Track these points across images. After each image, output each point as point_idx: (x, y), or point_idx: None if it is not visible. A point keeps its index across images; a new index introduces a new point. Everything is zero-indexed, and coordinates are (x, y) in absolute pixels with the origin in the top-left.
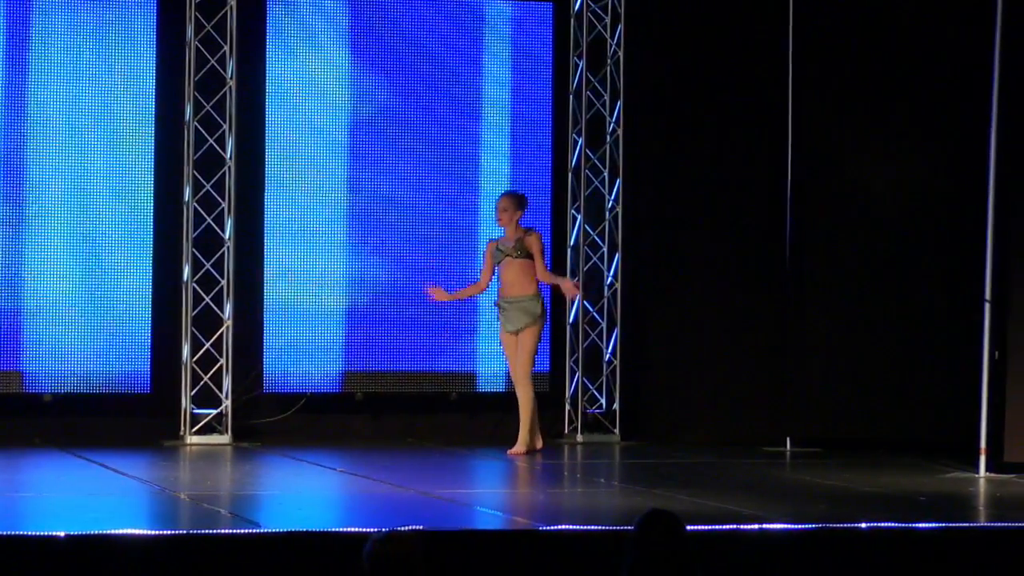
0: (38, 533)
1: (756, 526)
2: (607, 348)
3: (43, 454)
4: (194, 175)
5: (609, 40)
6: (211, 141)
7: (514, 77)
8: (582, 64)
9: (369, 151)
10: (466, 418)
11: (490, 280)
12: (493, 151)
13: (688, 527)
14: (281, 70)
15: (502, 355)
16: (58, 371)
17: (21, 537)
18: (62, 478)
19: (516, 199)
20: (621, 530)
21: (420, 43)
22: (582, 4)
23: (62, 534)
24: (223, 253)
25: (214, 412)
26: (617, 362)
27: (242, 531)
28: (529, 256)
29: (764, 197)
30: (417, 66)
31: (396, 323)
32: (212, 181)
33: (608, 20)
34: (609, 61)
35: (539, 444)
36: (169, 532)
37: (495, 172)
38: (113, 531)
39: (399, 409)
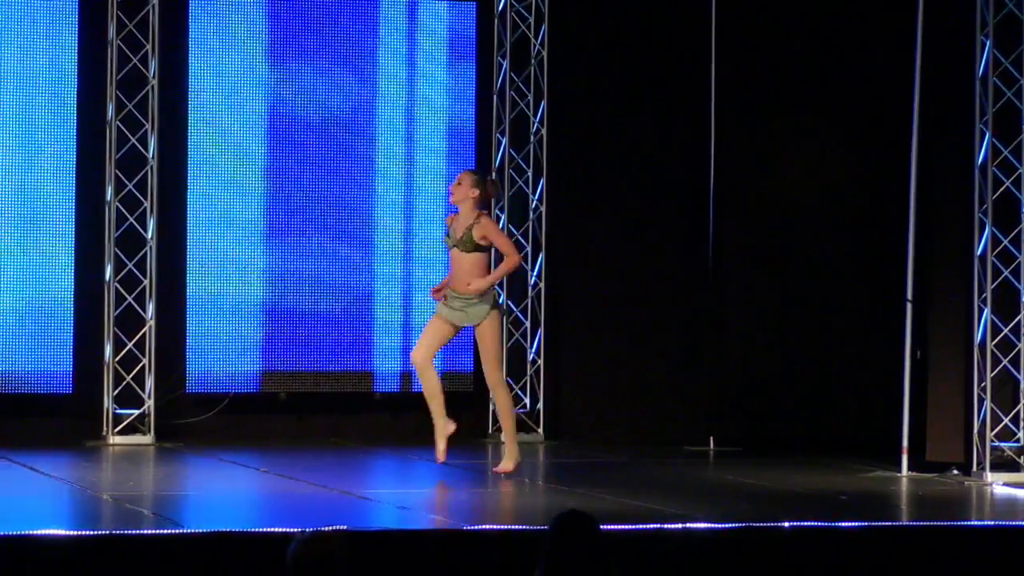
0: None
1: (680, 525)
2: (531, 348)
3: None
4: (116, 174)
5: (533, 40)
6: (133, 140)
7: (441, 75)
8: (506, 64)
9: (292, 148)
10: (389, 417)
11: None
12: (425, 149)
13: (611, 526)
14: (203, 68)
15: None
16: None
17: None
18: None
19: (472, 175)
20: (544, 530)
21: (347, 40)
22: (506, 4)
23: None
24: (145, 253)
25: (136, 412)
26: (541, 362)
27: (165, 531)
28: (480, 249)
29: (686, 196)
30: (344, 64)
31: (318, 320)
32: (134, 180)
33: (532, 20)
34: (533, 61)
35: (451, 428)
36: (92, 532)
37: (428, 169)
38: (35, 532)
39: (322, 409)
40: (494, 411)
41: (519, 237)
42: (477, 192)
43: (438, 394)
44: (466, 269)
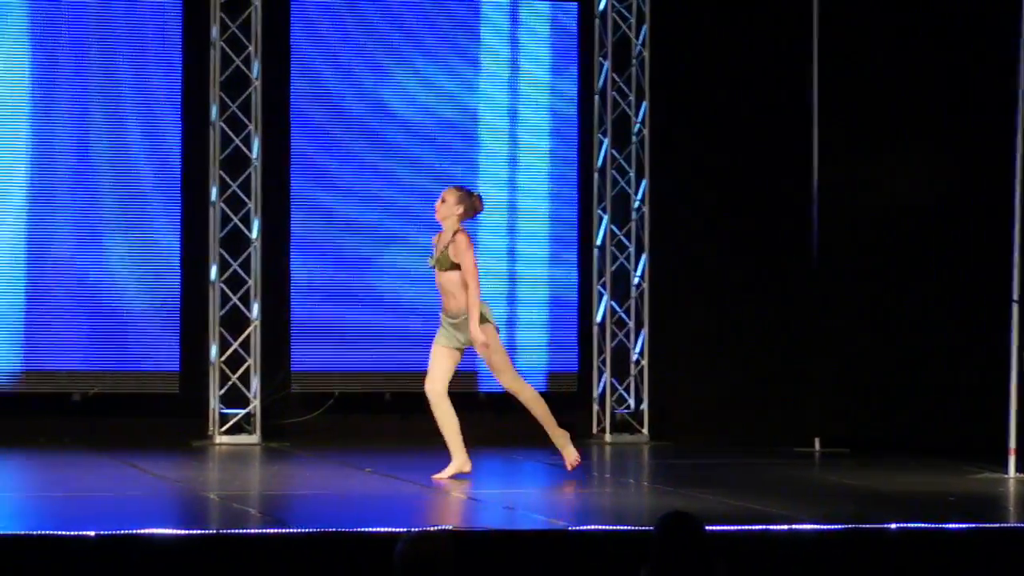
0: (69, 533)
1: (785, 527)
2: (634, 348)
3: (73, 454)
4: (220, 175)
5: (634, 40)
6: (237, 141)
7: (543, 75)
8: (607, 64)
9: (394, 149)
10: (494, 417)
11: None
12: (528, 149)
13: (717, 527)
14: (304, 69)
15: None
16: (91, 372)
17: (52, 536)
18: (92, 478)
19: (457, 191)
20: (649, 530)
21: (449, 41)
22: (607, 4)
23: (92, 533)
24: (250, 253)
25: (243, 412)
26: (645, 362)
27: (271, 531)
28: (457, 267)
29: (790, 197)
30: (445, 64)
31: (422, 320)
32: (238, 181)
33: (633, 20)
34: (634, 61)
35: (468, 468)
36: (198, 532)
37: (530, 169)
38: (143, 531)
39: (427, 408)
40: (598, 412)
41: (622, 238)
42: (461, 209)
43: (455, 426)
44: (446, 289)
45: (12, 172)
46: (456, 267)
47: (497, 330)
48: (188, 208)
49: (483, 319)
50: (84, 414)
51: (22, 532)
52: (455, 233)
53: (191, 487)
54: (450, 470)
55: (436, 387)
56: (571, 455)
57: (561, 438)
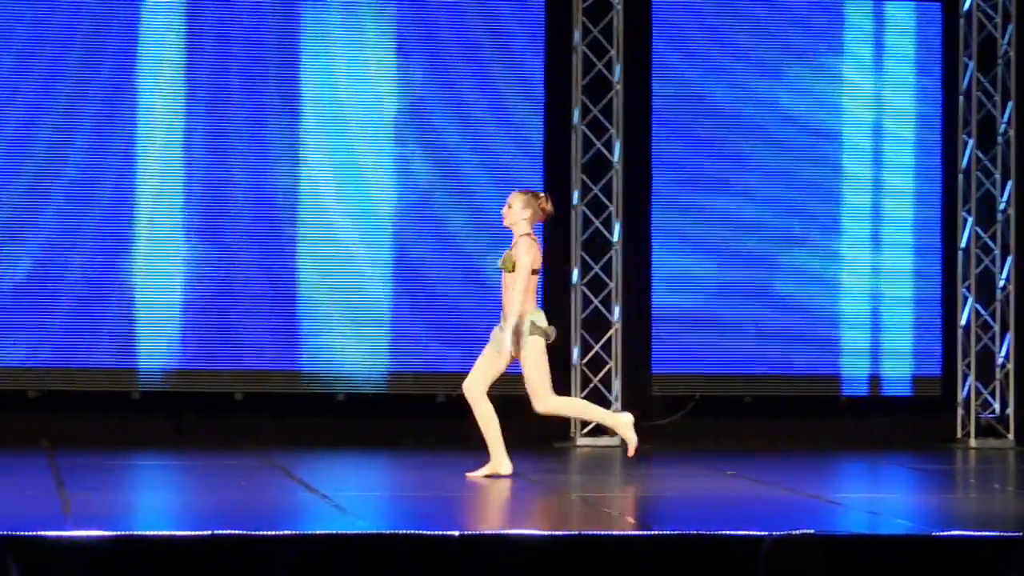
0: (433, 532)
1: None
2: (1000, 352)
3: (437, 454)
4: (582, 179)
5: (1000, 39)
6: (599, 145)
7: (908, 75)
8: (972, 64)
9: (759, 151)
10: (856, 421)
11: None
12: (891, 150)
13: None
14: (666, 72)
15: None
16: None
17: (417, 536)
18: (456, 478)
19: (522, 195)
20: (1017, 537)
21: (813, 42)
22: (972, 4)
23: (456, 533)
24: (611, 256)
25: None
26: (1010, 366)
27: (632, 532)
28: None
29: None
30: (809, 66)
31: (780, 325)
32: (600, 184)
33: (999, 19)
34: (1000, 61)
35: (505, 469)
36: (560, 532)
37: (895, 171)
38: (505, 531)
39: (788, 412)
40: (963, 416)
41: (987, 240)
42: (529, 212)
43: (495, 425)
44: (507, 293)
45: (380, 188)
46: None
47: (549, 342)
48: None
49: (534, 328)
50: (448, 415)
51: (387, 531)
52: (520, 236)
53: (552, 487)
54: (486, 470)
55: (472, 385)
56: (632, 441)
57: (624, 427)
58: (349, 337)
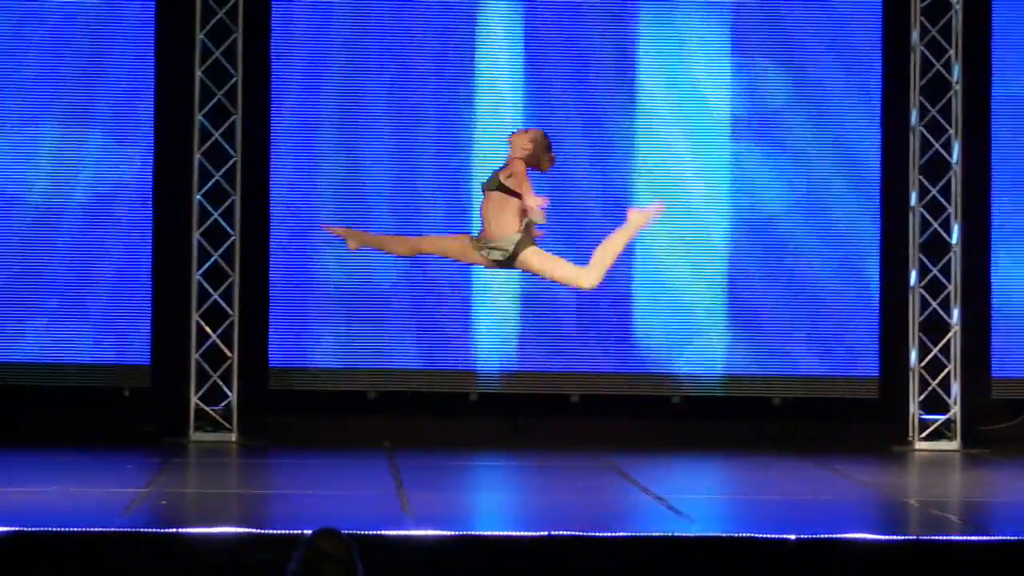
0: (768, 536)
1: None
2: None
3: (771, 457)
4: (920, 180)
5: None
6: (936, 146)
7: None
8: None
9: None
10: None
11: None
12: None
13: None
14: (1006, 72)
15: None
16: (790, 376)
17: (751, 539)
18: (791, 481)
19: (540, 137)
20: None
21: None
22: None
23: (792, 537)
24: (949, 258)
25: (942, 418)
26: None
27: (972, 538)
28: (504, 188)
29: None
30: None
31: None
32: (938, 186)
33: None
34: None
35: None
36: (897, 537)
37: None
38: (842, 535)
39: None
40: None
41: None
42: (531, 148)
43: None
44: (487, 213)
45: (716, 188)
46: (501, 188)
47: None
48: (887, 212)
49: (527, 241)
50: (782, 418)
51: (723, 534)
52: (513, 160)
53: (889, 492)
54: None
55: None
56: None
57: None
58: (683, 340)
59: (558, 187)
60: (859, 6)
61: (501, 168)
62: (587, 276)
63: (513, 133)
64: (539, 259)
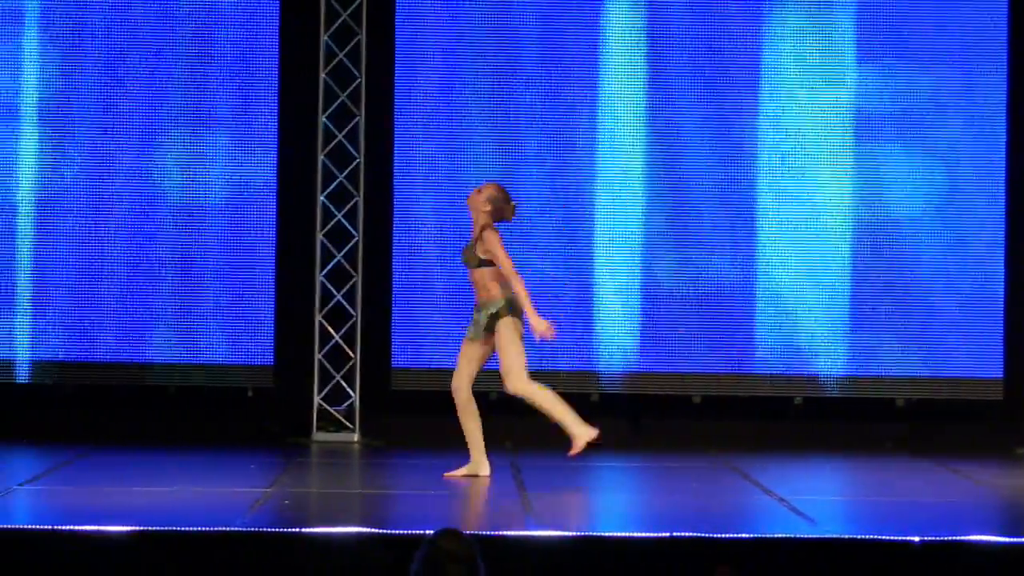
0: (892, 538)
1: None
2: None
3: (895, 459)
4: None
5: None
6: None
7: None
8: None
9: None
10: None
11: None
12: None
13: None
14: None
15: None
16: (909, 379)
17: (875, 541)
18: (914, 482)
19: (494, 190)
20: None
21: None
22: None
23: (916, 539)
24: None
25: None
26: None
27: None
28: (485, 264)
29: None
30: None
31: None
32: None
33: None
34: None
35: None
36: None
37: None
38: (967, 537)
39: None
40: None
41: None
42: (490, 207)
43: (477, 426)
44: (479, 283)
45: (839, 184)
46: (486, 263)
47: (515, 324)
48: (1013, 212)
49: (509, 309)
50: (904, 420)
51: (846, 536)
52: (483, 230)
53: (1013, 494)
54: (464, 470)
55: (460, 384)
56: (578, 443)
57: (579, 438)
58: (805, 340)
59: (680, 192)
60: (985, 4)
61: (473, 240)
62: (518, 382)
63: (468, 196)
64: (506, 335)
